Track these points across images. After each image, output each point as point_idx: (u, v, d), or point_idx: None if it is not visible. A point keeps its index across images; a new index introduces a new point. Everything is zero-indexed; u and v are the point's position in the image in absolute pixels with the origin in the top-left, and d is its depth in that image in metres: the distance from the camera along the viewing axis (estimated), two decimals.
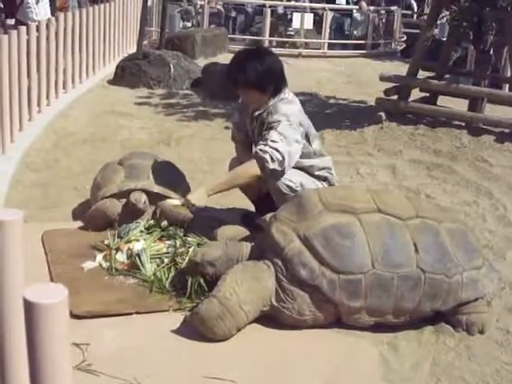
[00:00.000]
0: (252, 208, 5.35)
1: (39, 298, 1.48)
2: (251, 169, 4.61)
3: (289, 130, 4.63)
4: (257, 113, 4.86)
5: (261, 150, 4.57)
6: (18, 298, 1.56)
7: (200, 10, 18.27)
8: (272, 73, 4.76)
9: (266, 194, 4.84)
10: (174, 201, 4.78)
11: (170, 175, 5.35)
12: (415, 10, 20.82)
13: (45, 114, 8.73)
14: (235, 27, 18.93)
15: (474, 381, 3.55)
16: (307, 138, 4.83)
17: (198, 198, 4.55)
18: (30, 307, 1.48)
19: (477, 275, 4.05)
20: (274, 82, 4.77)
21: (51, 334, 1.49)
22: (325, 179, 4.97)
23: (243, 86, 4.81)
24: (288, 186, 4.71)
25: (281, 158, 4.57)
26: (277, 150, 4.55)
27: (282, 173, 4.65)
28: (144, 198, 4.97)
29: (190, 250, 4.40)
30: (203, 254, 4.11)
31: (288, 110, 4.72)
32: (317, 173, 4.92)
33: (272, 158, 4.55)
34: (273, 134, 4.60)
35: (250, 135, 5.03)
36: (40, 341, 1.50)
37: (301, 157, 4.78)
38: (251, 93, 4.80)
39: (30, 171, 6.67)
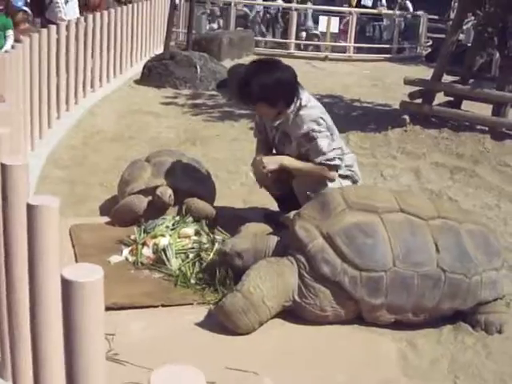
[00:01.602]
0: (275, 208, 5.42)
1: (76, 276, 1.57)
2: (323, 172, 4.78)
3: (325, 132, 4.76)
4: (277, 122, 4.90)
5: (328, 159, 4.74)
6: (56, 277, 1.65)
7: (221, 12, 18.33)
8: (281, 86, 4.73)
9: (290, 192, 4.90)
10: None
11: (196, 173, 5.43)
12: (410, 11, 20.74)
13: (73, 112, 8.85)
14: (261, 29, 18.91)
15: (491, 379, 3.60)
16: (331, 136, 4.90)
17: (272, 160, 4.82)
18: (67, 285, 1.57)
19: (496, 276, 4.10)
20: (283, 95, 4.76)
21: (87, 310, 1.58)
22: (347, 177, 5.01)
23: (252, 101, 4.87)
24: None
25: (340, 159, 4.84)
26: (335, 155, 4.77)
27: None
28: (169, 192, 5.05)
29: (215, 245, 4.50)
30: (233, 245, 4.20)
31: (314, 114, 4.78)
32: (340, 172, 4.97)
33: (340, 160, 4.82)
34: (321, 143, 4.73)
35: (269, 141, 5.09)
36: (76, 317, 1.59)
37: None
38: (261, 107, 4.85)
39: (57, 167, 6.78)
